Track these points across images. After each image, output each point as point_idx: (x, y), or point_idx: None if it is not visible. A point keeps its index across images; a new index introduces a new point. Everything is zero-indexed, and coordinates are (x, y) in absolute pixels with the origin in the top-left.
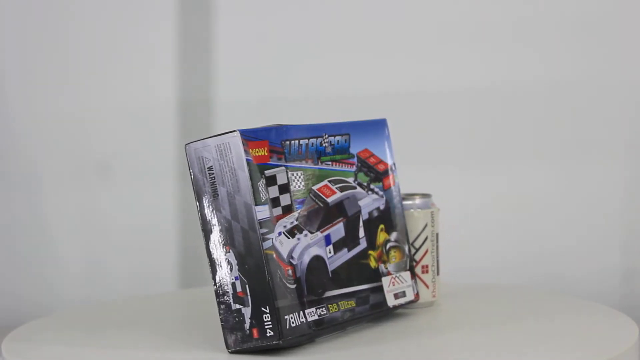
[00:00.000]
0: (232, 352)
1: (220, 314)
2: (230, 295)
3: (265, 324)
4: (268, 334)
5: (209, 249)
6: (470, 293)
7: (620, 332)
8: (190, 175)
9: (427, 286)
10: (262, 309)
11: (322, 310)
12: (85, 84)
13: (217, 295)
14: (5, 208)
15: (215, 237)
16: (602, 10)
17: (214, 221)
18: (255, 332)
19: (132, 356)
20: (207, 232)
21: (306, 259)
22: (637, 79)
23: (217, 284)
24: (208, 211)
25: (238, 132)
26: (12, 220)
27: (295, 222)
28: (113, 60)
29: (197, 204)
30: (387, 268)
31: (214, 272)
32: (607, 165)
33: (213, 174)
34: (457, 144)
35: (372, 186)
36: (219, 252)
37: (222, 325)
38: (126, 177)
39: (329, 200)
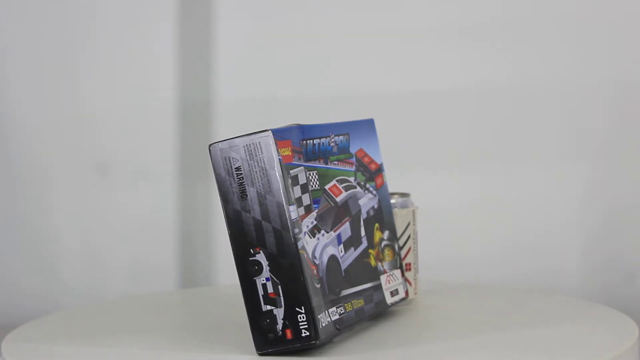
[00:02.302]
0: (261, 354)
1: (248, 315)
2: (260, 296)
3: (300, 324)
4: (303, 334)
5: (236, 251)
6: (455, 291)
7: (620, 332)
8: (215, 176)
9: (410, 283)
10: (297, 309)
11: (341, 310)
12: (85, 83)
13: (245, 296)
14: (6, 205)
15: (244, 238)
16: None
17: (242, 222)
18: (288, 333)
19: (135, 356)
20: (234, 233)
21: (325, 258)
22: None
23: (245, 285)
24: (235, 212)
25: (270, 131)
26: (14, 216)
27: (315, 222)
28: (113, 60)
29: (223, 205)
30: (383, 266)
31: (241, 273)
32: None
33: (241, 174)
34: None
35: (367, 185)
36: (247, 254)
37: (250, 327)
38: (127, 176)
39: (338, 199)
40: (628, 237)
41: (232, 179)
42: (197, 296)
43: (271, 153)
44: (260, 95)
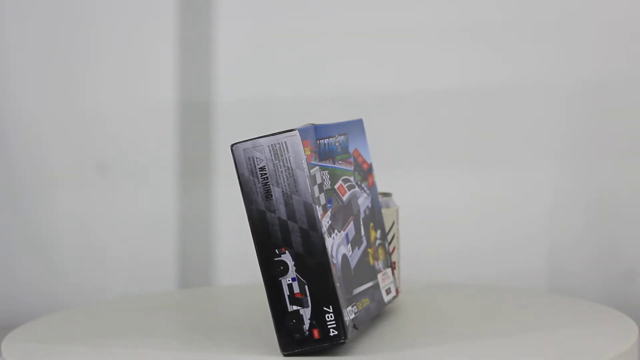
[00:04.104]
0: (286, 355)
1: (273, 316)
2: (286, 297)
3: (329, 323)
4: (332, 334)
5: (261, 251)
6: (449, 290)
7: (620, 332)
8: (238, 176)
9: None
10: (325, 308)
11: (355, 309)
12: (86, 83)
13: (270, 297)
14: (8, 204)
15: (268, 239)
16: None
17: (267, 223)
18: (316, 332)
19: (135, 356)
20: (258, 234)
21: (339, 257)
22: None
23: (270, 286)
24: (259, 213)
25: (297, 131)
26: (15, 215)
27: (330, 222)
28: (113, 60)
29: (246, 205)
30: (379, 265)
31: (266, 274)
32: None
33: (266, 174)
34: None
35: (362, 185)
36: (272, 254)
37: (275, 327)
38: (127, 176)
39: (344, 199)
40: (626, 236)
41: (256, 179)
42: (197, 296)
43: (298, 153)
44: (260, 95)
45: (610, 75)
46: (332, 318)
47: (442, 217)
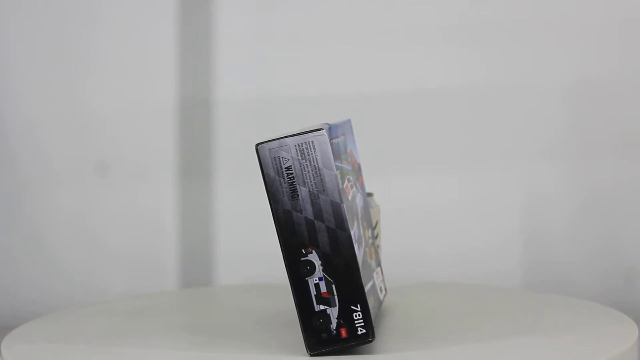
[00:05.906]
0: (313, 355)
1: (299, 316)
2: (313, 296)
3: (357, 322)
4: (359, 332)
5: (287, 251)
6: (435, 290)
7: (620, 332)
8: (264, 176)
9: None
10: (353, 307)
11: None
12: (84, 84)
13: (297, 297)
14: (7, 203)
15: (295, 239)
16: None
17: (293, 222)
18: (343, 332)
19: (136, 356)
20: (284, 234)
21: None
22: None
23: (297, 286)
24: (285, 213)
25: (325, 130)
26: (15, 214)
27: None
28: (113, 60)
29: (272, 205)
30: (373, 264)
31: (292, 274)
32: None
33: (292, 174)
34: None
35: (356, 184)
36: (299, 254)
37: (302, 327)
38: (126, 176)
39: (349, 198)
40: (624, 235)
41: (282, 179)
42: (197, 296)
43: (326, 152)
44: (261, 95)
45: (609, 74)
46: (360, 317)
47: (435, 217)
